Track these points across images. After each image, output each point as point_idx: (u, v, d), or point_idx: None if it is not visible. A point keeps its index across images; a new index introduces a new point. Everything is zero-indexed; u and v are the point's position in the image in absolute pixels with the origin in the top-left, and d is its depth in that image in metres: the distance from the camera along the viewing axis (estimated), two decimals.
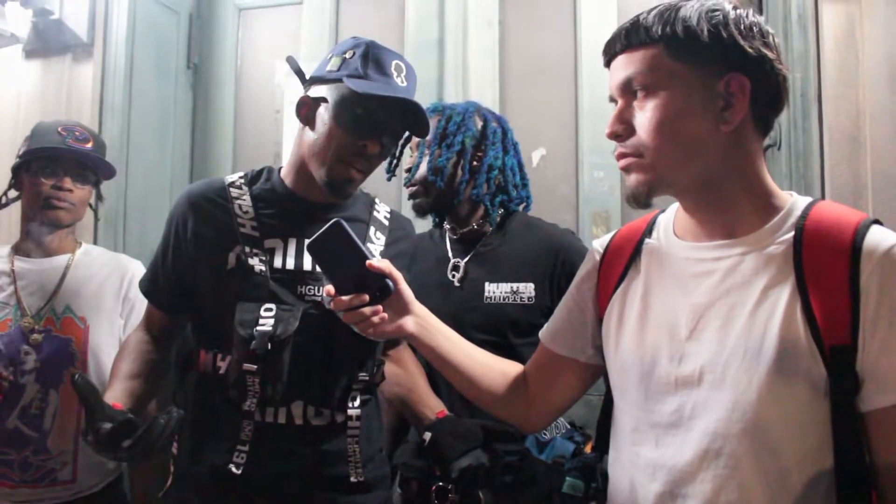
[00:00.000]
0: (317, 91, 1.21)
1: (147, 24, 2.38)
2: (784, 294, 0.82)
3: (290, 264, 1.21)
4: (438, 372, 1.14)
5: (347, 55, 1.18)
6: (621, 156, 0.91)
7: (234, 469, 1.17)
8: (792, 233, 0.85)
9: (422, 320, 1.07)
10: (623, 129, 0.89)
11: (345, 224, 1.00)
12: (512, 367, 1.14)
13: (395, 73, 1.18)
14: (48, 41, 2.25)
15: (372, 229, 1.30)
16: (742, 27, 0.84)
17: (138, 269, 1.69)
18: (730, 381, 0.83)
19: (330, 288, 0.98)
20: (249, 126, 2.58)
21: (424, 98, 2.24)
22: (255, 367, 1.12)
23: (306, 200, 1.26)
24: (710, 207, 0.91)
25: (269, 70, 2.57)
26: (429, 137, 1.56)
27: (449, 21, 2.34)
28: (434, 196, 1.56)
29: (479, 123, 1.59)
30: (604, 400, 1.06)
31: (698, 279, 0.90)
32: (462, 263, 1.56)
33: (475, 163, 1.56)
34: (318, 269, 1.20)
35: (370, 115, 1.16)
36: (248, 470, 1.17)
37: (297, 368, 1.15)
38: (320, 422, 1.21)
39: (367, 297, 0.98)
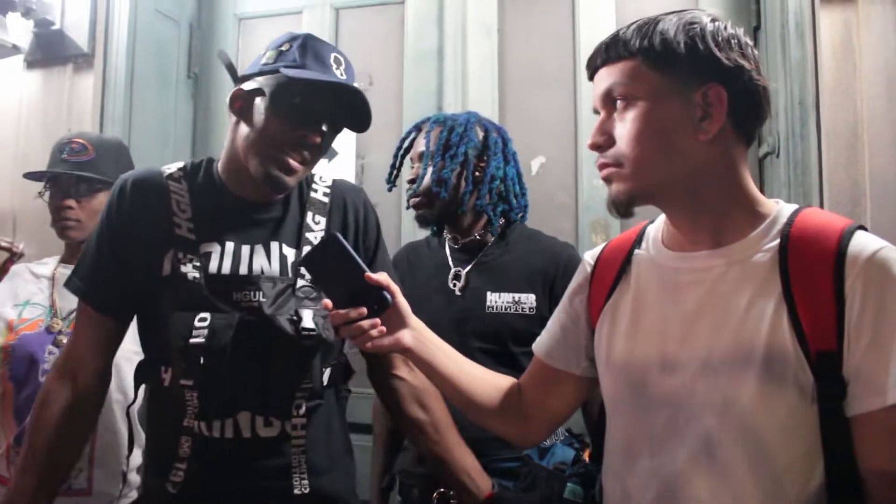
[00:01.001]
0: (252, 84, 1.15)
1: (147, 33, 2.39)
2: (771, 302, 0.82)
3: (226, 268, 1.14)
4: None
5: (284, 48, 1.13)
6: (602, 166, 0.91)
7: (170, 488, 1.12)
8: (778, 240, 0.85)
9: (418, 334, 1.05)
10: (604, 140, 0.90)
11: (340, 237, 0.99)
12: (507, 382, 1.14)
13: (333, 65, 1.13)
14: (49, 51, 2.26)
15: (310, 215, 1.22)
16: (719, 39, 0.85)
17: None
18: (720, 390, 0.83)
19: (327, 302, 0.97)
20: None
21: (424, 107, 2.27)
22: (192, 381, 1.09)
23: (242, 199, 1.19)
24: (694, 217, 0.91)
25: None
26: (432, 149, 1.57)
27: (448, 30, 2.34)
28: (438, 207, 1.57)
29: (481, 134, 1.61)
30: (598, 411, 1.06)
31: (687, 289, 0.90)
32: (463, 272, 1.57)
33: (478, 173, 1.57)
34: (254, 272, 1.15)
35: (309, 103, 1.11)
36: (188, 487, 1.12)
37: (236, 378, 1.09)
38: (269, 433, 1.14)
39: (365, 311, 0.97)
